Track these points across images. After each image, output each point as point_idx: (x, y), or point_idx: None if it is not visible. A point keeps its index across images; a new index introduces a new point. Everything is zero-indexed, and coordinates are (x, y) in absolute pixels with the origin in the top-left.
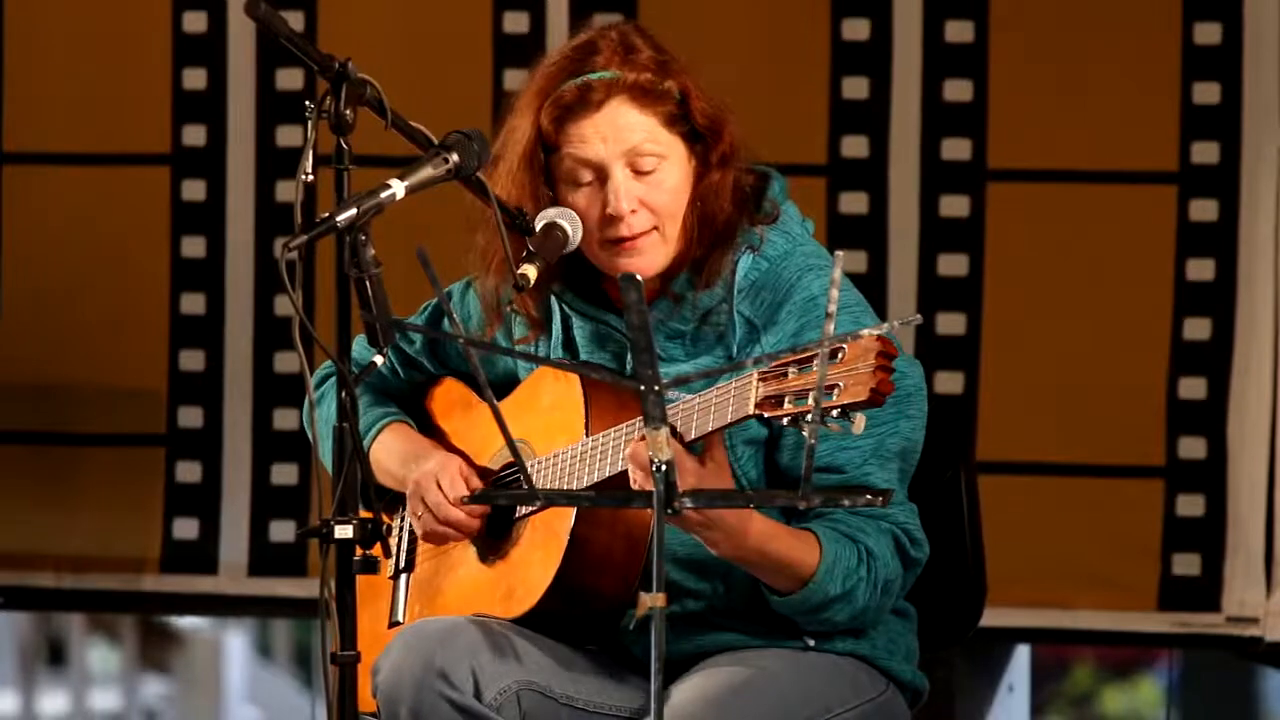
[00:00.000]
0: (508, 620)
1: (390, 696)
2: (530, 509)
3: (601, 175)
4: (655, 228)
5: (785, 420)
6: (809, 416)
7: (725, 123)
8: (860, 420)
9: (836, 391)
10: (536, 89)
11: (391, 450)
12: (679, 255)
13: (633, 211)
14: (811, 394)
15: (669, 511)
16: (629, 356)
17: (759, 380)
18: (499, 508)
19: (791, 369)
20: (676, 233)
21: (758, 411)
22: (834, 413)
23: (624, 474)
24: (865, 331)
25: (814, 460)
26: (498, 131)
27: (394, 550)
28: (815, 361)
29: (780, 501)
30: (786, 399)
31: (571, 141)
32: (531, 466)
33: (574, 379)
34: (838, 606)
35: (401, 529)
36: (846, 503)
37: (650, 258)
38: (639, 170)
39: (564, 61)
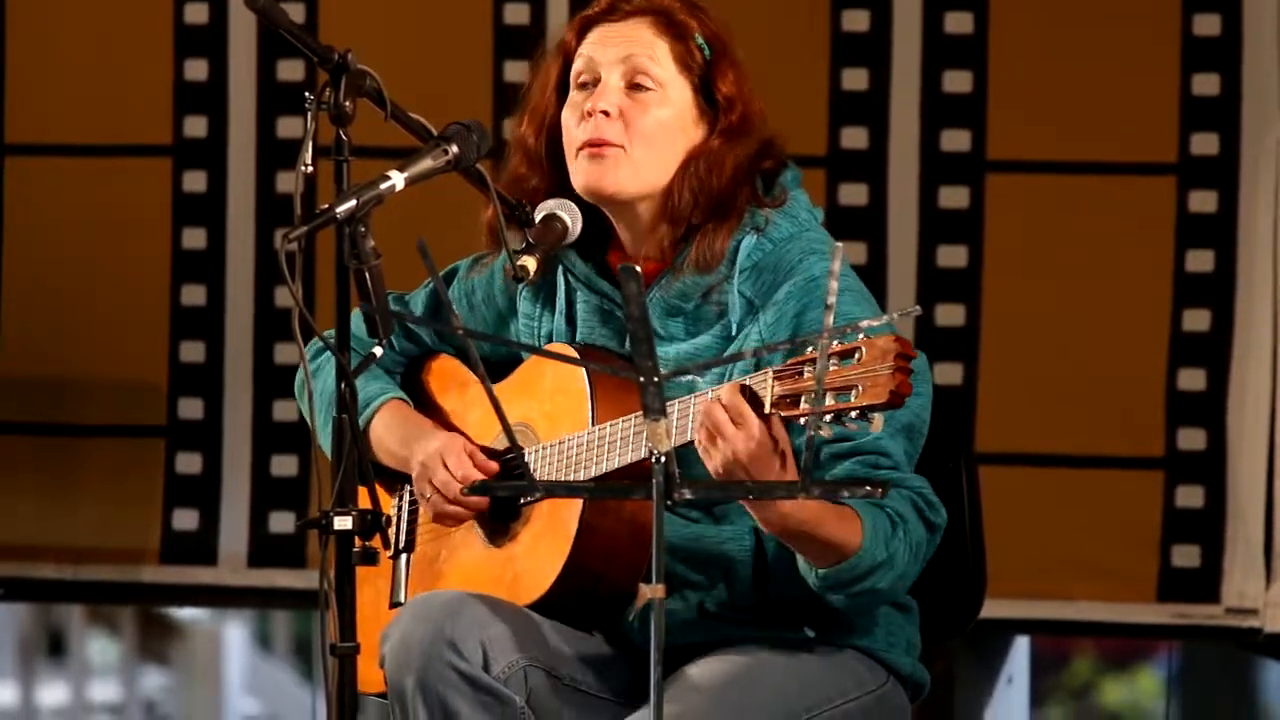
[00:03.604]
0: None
1: (398, 664)
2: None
3: (597, 80)
4: (623, 146)
5: (801, 420)
6: (812, 416)
7: (744, 103)
8: (878, 420)
9: (855, 393)
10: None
11: (392, 428)
12: (667, 209)
13: (605, 113)
14: (812, 392)
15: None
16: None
17: (774, 380)
18: None
19: (806, 368)
20: (649, 165)
21: (773, 411)
22: (853, 414)
23: (631, 465)
24: (865, 323)
25: (816, 444)
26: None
27: (394, 529)
28: (830, 361)
29: (780, 495)
30: (802, 399)
31: (585, 43)
32: (535, 453)
33: None
34: (881, 572)
35: (401, 507)
36: (845, 494)
37: (612, 172)
38: (633, 85)
39: None
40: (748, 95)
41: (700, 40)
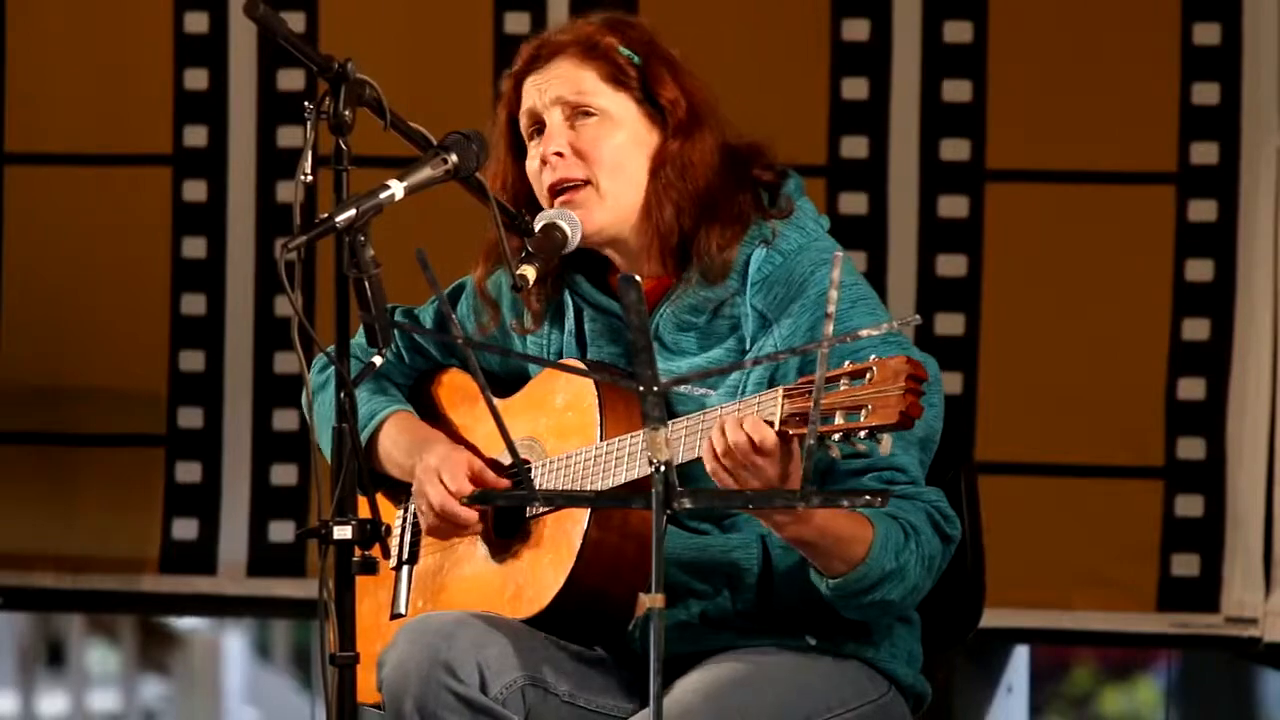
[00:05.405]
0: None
1: (395, 689)
2: (543, 509)
3: (542, 127)
4: (588, 181)
5: (810, 440)
6: (812, 423)
7: (687, 96)
8: (887, 441)
9: (865, 412)
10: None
11: (398, 441)
12: (649, 227)
13: (559, 155)
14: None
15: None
16: None
17: (784, 398)
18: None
19: None
20: (620, 192)
21: (782, 429)
22: (862, 433)
23: (638, 481)
24: (864, 332)
25: (813, 459)
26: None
27: (397, 540)
28: (840, 381)
29: (780, 503)
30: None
31: (523, 97)
32: (542, 466)
33: (587, 379)
34: (892, 584)
35: (405, 519)
36: (845, 504)
37: (586, 212)
38: (575, 119)
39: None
40: (690, 87)
41: (625, 51)
